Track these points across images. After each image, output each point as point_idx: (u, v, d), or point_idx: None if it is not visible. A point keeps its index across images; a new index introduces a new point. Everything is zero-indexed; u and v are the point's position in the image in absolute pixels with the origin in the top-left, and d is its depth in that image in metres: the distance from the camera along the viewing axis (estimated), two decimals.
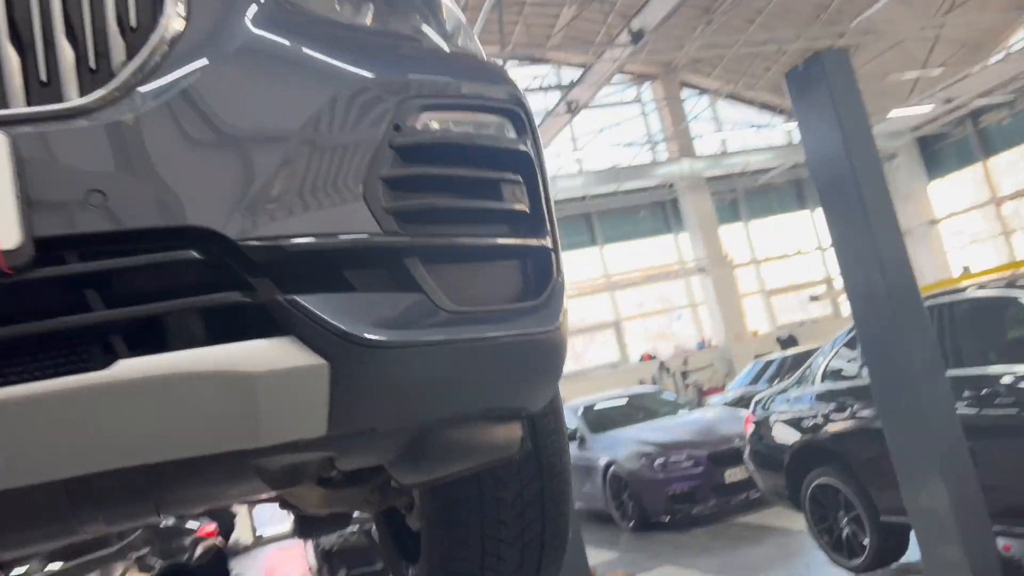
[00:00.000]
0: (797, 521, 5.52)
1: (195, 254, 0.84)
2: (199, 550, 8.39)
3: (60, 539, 1.02)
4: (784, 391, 5.95)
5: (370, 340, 0.88)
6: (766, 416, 5.87)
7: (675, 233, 19.79)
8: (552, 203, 1.22)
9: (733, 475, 7.73)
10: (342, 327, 0.86)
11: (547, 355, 1.10)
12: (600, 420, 9.83)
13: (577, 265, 18.80)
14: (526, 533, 1.39)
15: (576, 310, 19.17)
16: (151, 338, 0.84)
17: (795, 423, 5.44)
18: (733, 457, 7.69)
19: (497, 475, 1.35)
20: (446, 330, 0.98)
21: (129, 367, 0.78)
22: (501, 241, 1.08)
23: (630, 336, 19.34)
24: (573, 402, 11.32)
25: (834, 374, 5.31)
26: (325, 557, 8.03)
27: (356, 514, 7.89)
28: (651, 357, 18.66)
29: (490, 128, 1.14)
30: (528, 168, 1.15)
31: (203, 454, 0.85)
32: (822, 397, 5.24)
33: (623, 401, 10.71)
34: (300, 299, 0.86)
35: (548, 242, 1.17)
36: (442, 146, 1.05)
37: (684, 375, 18.07)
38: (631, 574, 5.65)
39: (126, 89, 0.85)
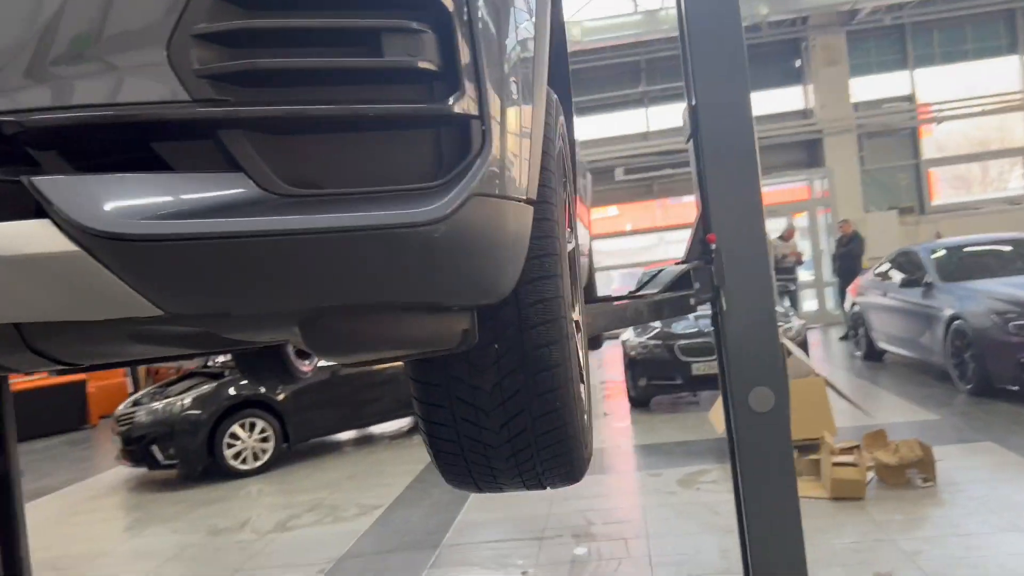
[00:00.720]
0: None
1: None
2: None
3: None
4: None
5: (119, 232, 0.79)
6: None
7: None
8: (486, 56, 0.96)
9: None
10: (80, 217, 0.78)
11: (433, 249, 0.91)
12: (962, 267, 8.51)
13: (985, 76, 15.68)
14: (511, 426, 1.25)
15: (977, 131, 16.30)
16: None
17: None
18: None
19: (472, 361, 1.22)
20: (265, 218, 0.85)
21: None
22: (369, 108, 0.89)
23: None
24: (937, 242, 9.92)
25: None
26: (630, 363, 8.36)
27: (657, 329, 7.96)
28: None
29: None
30: (440, 14, 0.91)
31: None
32: None
33: (1003, 247, 9.08)
34: (43, 181, 0.79)
35: (468, 107, 0.93)
36: None
37: None
38: (926, 445, 5.01)
39: None
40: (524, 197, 1.07)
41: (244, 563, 5.07)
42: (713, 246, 2.65)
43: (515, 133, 1.04)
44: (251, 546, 5.40)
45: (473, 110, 0.94)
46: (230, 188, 0.85)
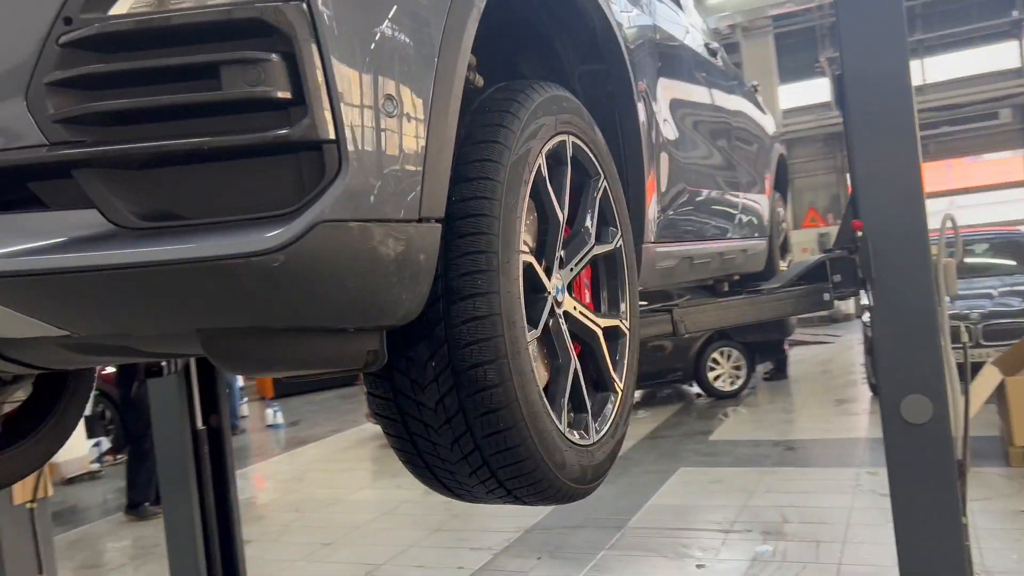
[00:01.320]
0: None
1: None
2: None
3: None
4: None
5: None
6: None
7: None
8: (347, 79, 0.94)
9: None
10: None
11: (277, 277, 0.91)
12: None
13: None
14: (461, 444, 1.21)
15: None
16: None
17: None
18: None
19: (412, 378, 1.20)
20: (120, 251, 0.91)
21: None
22: (204, 141, 0.90)
23: None
24: None
25: None
26: (870, 347, 7.62)
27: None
28: None
29: None
30: (286, 42, 0.91)
31: None
32: None
33: None
34: None
35: (318, 133, 0.91)
36: (133, 33, 0.91)
37: None
38: None
39: None
40: (415, 217, 1.03)
41: (445, 523, 5.42)
42: (859, 234, 2.33)
43: (398, 152, 1.01)
44: (455, 507, 5.73)
45: (326, 135, 0.93)
46: (82, 224, 0.93)
